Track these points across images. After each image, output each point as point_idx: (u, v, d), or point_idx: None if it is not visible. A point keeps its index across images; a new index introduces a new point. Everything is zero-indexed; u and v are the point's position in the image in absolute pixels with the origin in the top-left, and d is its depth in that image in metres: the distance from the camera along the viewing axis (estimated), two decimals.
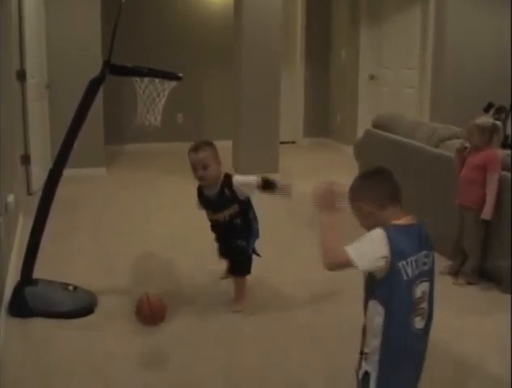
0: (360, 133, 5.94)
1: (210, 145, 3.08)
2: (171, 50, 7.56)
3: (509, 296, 3.36)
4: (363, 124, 6.64)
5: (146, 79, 3.08)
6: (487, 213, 3.44)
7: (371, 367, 1.81)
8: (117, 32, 2.97)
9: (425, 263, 1.80)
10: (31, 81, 5.37)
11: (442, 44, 6.38)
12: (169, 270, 3.79)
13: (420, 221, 1.85)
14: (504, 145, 5.03)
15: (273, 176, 5.91)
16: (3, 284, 3.13)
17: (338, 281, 3.38)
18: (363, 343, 1.86)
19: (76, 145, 3.08)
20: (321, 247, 1.80)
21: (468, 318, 3.16)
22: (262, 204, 3.28)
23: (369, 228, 1.80)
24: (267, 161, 6.16)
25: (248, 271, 3.19)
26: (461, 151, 3.63)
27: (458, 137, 4.03)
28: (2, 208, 3.17)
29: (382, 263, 1.72)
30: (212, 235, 3.27)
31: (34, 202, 3.23)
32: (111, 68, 3.01)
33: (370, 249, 1.74)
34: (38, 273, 3.15)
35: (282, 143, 6.58)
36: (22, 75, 5.21)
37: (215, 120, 8.01)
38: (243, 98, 6.07)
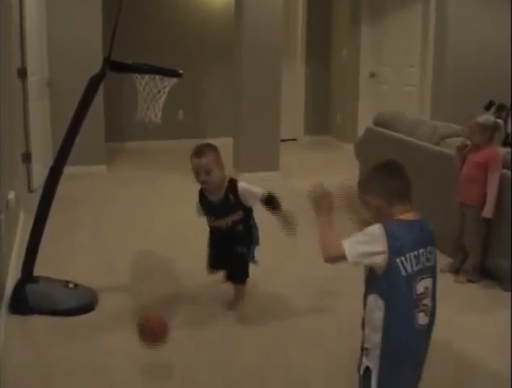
0: (361, 131, 5.94)
1: (213, 148, 3.00)
2: (172, 47, 7.55)
3: (510, 294, 3.36)
4: (364, 122, 6.64)
5: (146, 76, 3.07)
6: (488, 212, 3.44)
7: (372, 362, 1.82)
8: (118, 30, 2.96)
9: (428, 260, 1.81)
10: (32, 79, 5.37)
11: (443, 42, 6.38)
12: (170, 268, 3.80)
13: (423, 218, 1.86)
14: (505, 144, 5.02)
15: (274, 175, 6.01)
16: (4, 282, 3.13)
17: (339, 281, 3.39)
18: (364, 339, 1.86)
19: (77, 141, 3.08)
20: (319, 241, 1.85)
21: (469, 316, 3.16)
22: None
23: (376, 221, 1.82)
24: (268, 158, 6.15)
25: (246, 276, 3.14)
26: (462, 149, 3.62)
27: (459, 135, 4.03)
28: (2, 206, 3.17)
29: (379, 258, 1.74)
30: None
31: (35, 199, 3.23)
32: (112, 65, 3.01)
33: (364, 244, 1.76)
34: (38, 271, 3.15)
35: (282, 141, 6.57)
36: (23, 73, 5.21)
37: (215, 118, 8.01)
38: (244, 95, 6.06)
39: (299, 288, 3.47)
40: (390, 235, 1.74)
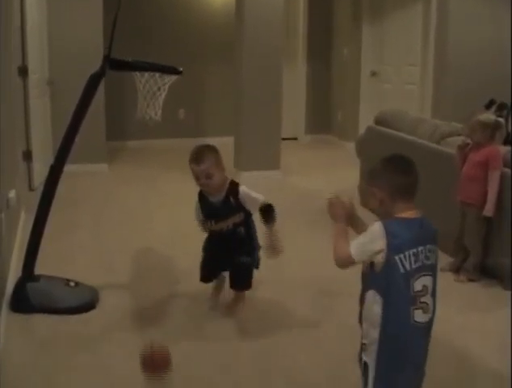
0: (362, 130, 5.94)
1: (211, 151, 2.91)
2: (173, 46, 7.54)
3: (510, 293, 3.36)
4: (365, 121, 6.64)
5: (146, 74, 3.07)
6: (489, 210, 3.44)
7: (370, 358, 1.84)
8: (119, 28, 2.96)
9: (427, 258, 1.81)
10: (32, 77, 5.38)
11: (444, 40, 6.38)
12: (170, 267, 3.80)
13: (423, 216, 1.86)
14: (505, 142, 5.02)
15: (275, 174, 6.01)
16: (5, 280, 3.13)
17: (339, 280, 3.38)
18: (363, 334, 1.88)
19: (77, 139, 3.08)
20: (333, 248, 1.90)
21: (469, 315, 3.16)
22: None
23: (379, 214, 1.87)
24: (269, 157, 6.15)
25: (250, 285, 3.08)
26: (462, 148, 3.62)
27: (459, 134, 4.02)
28: (3, 204, 3.17)
29: (379, 256, 1.77)
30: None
31: (35, 198, 3.23)
32: (111, 62, 3.00)
33: (368, 244, 1.80)
34: (39, 269, 3.15)
35: (283, 139, 6.57)
36: (24, 71, 5.21)
37: (216, 117, 8.01)
38: (245, 94, 6.06)
39: (299, 288, 3.47)
40: (389, 233, 1.77)
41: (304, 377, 2.56)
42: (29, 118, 5.34)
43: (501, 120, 3.78)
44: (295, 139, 8.53)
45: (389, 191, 1.84)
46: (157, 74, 3.08)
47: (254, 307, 3.19)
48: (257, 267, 3.09)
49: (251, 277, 3.08)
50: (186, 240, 4.19)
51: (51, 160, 3.14)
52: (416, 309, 1.79)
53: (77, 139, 3.07)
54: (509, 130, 5.76)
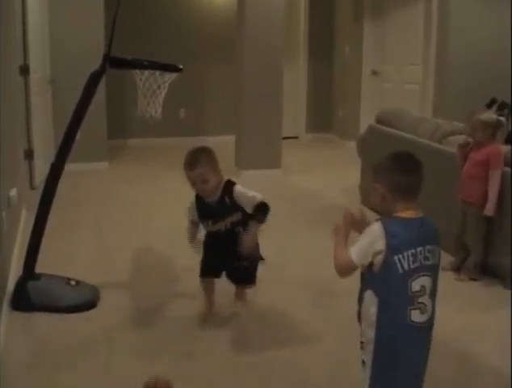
0: (363, 129, 5.94)
1: (206, 154, 2.83)
2: (174, 45, 7.55)
3: (511, 292, 3.36)
4: (366, 120, 6.64)
5: (146, 72, 3.07)
6: (489, 210, 3.44)
7: (367, 357, 1.86)
8: (120, 27, 2.97)
9: (427, 258, 1.80)
10: (34, 76, 5.38)
11: (445, 40, 6.37)
12: (171, 265, 3.80)
13: (425, 216, 1.85)
14: (506, 142, 5.01)
15: (276, 173, 6.00)
16: (6, 279, 3.14)
17: (339, 280, 3.36)
18: (361, 333, 1.90)
19: (78, 137, 3.08)
20: (333, 257, 1.89)
21: (470, 314, 3.16)
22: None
23: (380, 210, 1.87)
24: (270, 156, 6.15)
25: (254, 281, 3.04)
26: (463, 147, 3.62)
27: (461, 133, 4.02)
28: (4, 203, 3.17)
29: (378, 256, 1.77)
30: None
31: (37, 197, 3.23)
32: (111, 61, 3.00)
33: (368, 245, 1.80)
34: (40, 268, 3.15)
35: (284, 138, 6.58)
36: (25, 70, 5.21)
37: (217, 115, 8.01)
38: (245, 93, 6.06)
39: (299, 288, 3.46)
40: (388, 233, 1.76)
41: (304, 377, 2.56)
42: (30, 117, 5.34)
43: (503, 119, 3.78)
44: (296, 138, 8.53)
45: (391, 189, 1.83)
46: (157, 72, 3.08)
47: (254, 307, 3.18)
48: (262, 263, 3.04)
49: (255, 276, 3.05)
50: (187, 238, 4.19)
51: (52, 159, 3.14)
52: (413, 309, 1.78)
53: (77, 137, 3.08)
54: (510, 129, 5.75)
